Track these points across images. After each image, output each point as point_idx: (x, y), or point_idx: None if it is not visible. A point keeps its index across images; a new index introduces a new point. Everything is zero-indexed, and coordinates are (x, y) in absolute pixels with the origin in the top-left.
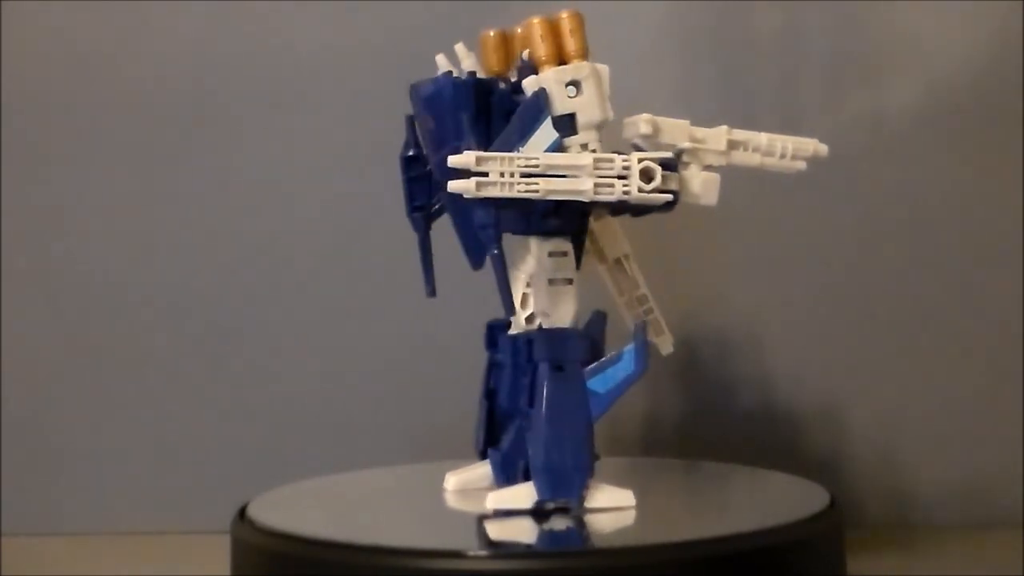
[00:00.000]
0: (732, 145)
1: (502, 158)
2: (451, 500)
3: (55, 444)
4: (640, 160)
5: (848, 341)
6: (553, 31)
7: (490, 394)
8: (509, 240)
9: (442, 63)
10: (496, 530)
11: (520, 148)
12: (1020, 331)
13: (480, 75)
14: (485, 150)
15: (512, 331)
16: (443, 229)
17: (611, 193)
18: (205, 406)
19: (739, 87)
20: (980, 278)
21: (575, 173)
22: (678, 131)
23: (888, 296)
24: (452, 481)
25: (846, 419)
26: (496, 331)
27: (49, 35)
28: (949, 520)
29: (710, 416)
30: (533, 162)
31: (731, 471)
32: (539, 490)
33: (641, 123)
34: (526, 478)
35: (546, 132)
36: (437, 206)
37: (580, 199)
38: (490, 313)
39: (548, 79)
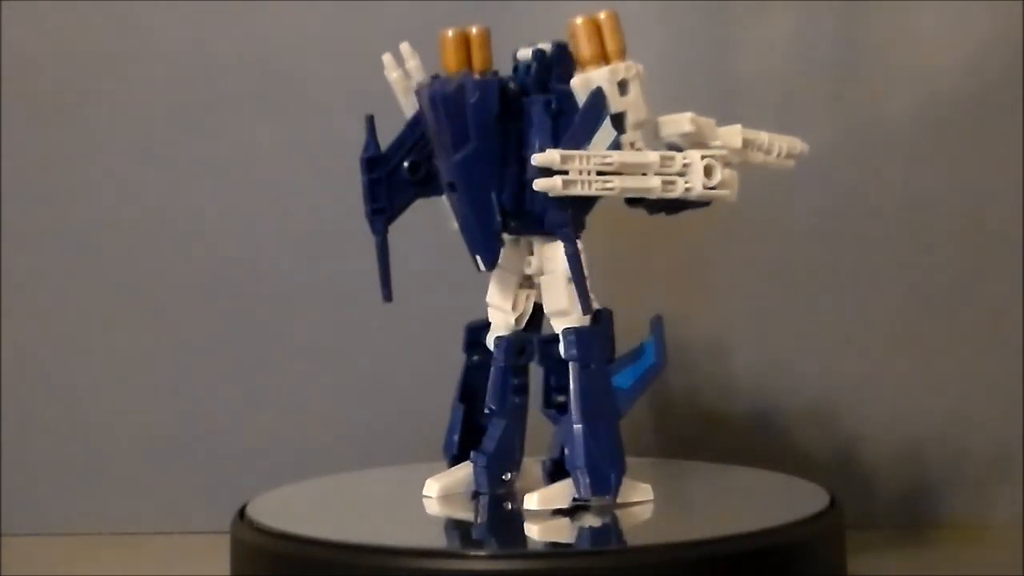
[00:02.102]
0: (745, 143)
1: (581, 156)
2: (446, 502)
3: (55, 444)
4: (703, 157)
5: (848, 342)
6: (597, 31)
7: (466, 397)
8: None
9: (389, 63)
10: (536, 531)
11: (586, 147)
12: (1019, 331)
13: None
14: (504, 153)
15: (501, 333)
16: (441, 233)
17: (673, 190)
18: (205, 407)
19: (737, 88)
20: (980, 278)
21: (643, 171)
22: (709, 130)
23: (889, 297)
24: (435, 487)
25: (846, 419)
26: (478, 333)
27: (49, 34)
28: (949, 520)
29: (709, 417)
30: (607, 160)
31: (731, 471)
32: (580, 489)
33: (685, 122)
34: (554, 478)
35: (607, 131)
36: (396, 208)
37: (649, 196)
38: (482, 314)
39: (603, 78)
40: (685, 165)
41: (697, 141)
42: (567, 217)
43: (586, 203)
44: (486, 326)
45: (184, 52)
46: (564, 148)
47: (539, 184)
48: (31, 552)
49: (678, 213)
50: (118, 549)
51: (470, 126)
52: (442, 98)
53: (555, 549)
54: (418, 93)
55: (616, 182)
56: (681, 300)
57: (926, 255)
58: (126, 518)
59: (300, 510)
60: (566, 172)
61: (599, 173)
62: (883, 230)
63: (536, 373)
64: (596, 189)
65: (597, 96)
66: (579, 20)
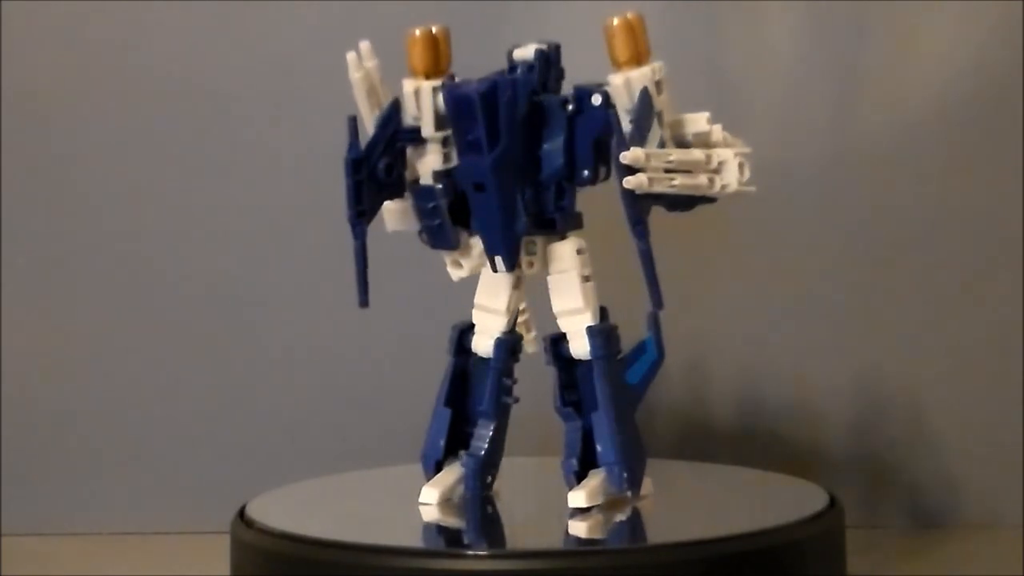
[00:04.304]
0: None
1: (655, 154)
2: (445, 503)
3: (55, 444)
4: (736, 154)
5: (849, 342)
6: (633, 31)
7: (452, 401)
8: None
9: (353, 62)
10: (578, 529)
11: (644, 147)
12: (1020, 331)
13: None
14: (505, 153)
15: (492, 334)
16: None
17: (712, 187)
18: (205, 406)
19: (735, 91)
20: (980, 279)
21: (693, 168)
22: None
23: (888, 297)
24: (435, 494)
25: (846, 419)
26: (466, 335)
27: (49, 34)
28: (949, 520)
29: (709, 417)
30: (670, 158)
31: (731, 472)
32: (617, 484)
33: (703, 121)
34: (580, 476)
35: (655, 130)
36: (375, 211)
37: (696, 193)
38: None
39: (645, 78)
40: (720, 163)
41: (705, 141)
42: (642, 215)
43: (652, 202)
44: (472, 328)
45: (184, 53)
46: (633, 147)
47: (629, 182)
48: (31, 552)
49: (690, 210)
50: (118, 549)
51: (501, 126)
52: (479, 96)
53: (549, 549)
54: (443, 92)
55: (678, 179)
56: (680, 301)
57: (925, 256)
58: (126, 518)
59: (300, 510)
60: (644, 170)
61: (665, 171)
62: (883, 231)
63: (541, 373)
64: (665, 186)
65: (647, 96)
66: (616, 21)
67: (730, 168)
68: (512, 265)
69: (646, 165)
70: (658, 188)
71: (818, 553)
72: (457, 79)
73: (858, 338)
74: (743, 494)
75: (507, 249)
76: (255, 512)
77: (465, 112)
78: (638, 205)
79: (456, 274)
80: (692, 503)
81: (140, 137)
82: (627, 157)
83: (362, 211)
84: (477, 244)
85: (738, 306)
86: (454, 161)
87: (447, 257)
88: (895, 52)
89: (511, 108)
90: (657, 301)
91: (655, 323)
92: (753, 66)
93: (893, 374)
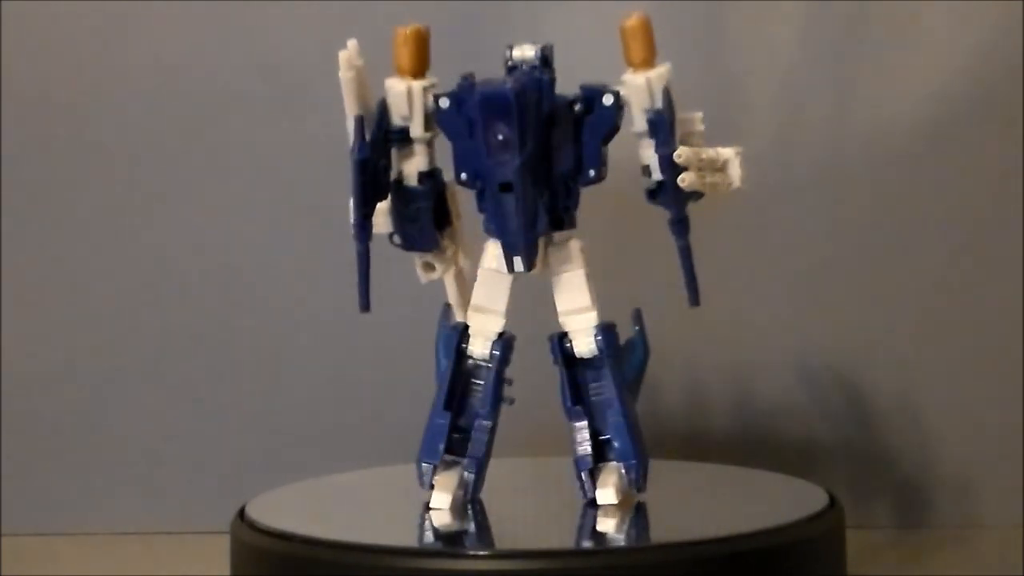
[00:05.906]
0: None
1: (694, 152)
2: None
3: (55, 444)
4: (736, 153)
5: (848, 342)
6: (648, 32)
7: (450, 403)
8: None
9: (345, 61)
10: (608, 525)
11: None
12: (1020, 331)
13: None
14: (532, 153)
15: (489, 336)
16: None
17: (720, 185)
18: (205, 406)
19: (735, 90)
20: (980, 278)
21: (709, 167)
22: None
23: (888, 296)
24: (446, 499)
25: (846, 420)
26: (464, 337)
27: (49, 34)
28: (949, 520)
29: (708, 417)
30: (702, 156)
31: (730, 472)
32: (636, 481)
33: (698, 121)
34: (593, 474)
35: (675, 130)
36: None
37: (714, 191)
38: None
39: (663, 79)
40: (724, 161)
41: (698, 141)
42: (683, 212)
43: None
44: (467, 329)
45: (184, 54)
46: (673, 147)
47: (683, 180)
48: (31, 552)
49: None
50: (118, 549)
51: (529, 126)
52: (515, 95)
53: (549, 549)
54: (465, 92)
55: (708, 177)
56: (680, 298)
57: (925, 256)
58: (126, 518)
59: (300, 510)
60: (688, 168)
61: (699, 169)
62: (882, 230)
63: (537, 373)
64: (700, 185)
65: (670, 96)
66: (635, 21)
67: (733, 166)
68: (531, 265)
69: (691, 163)
70: (697, 186)
71: (818, 553)
72: (477, 78)
73: (858, 338)
74: (743, 494)
75: (528, 249)
76: (255, 512)
77: (499, 111)
78: (679, 204)
79: (427, 276)
80: (692, 503)
81: (140, 137)
82: (681, 156)
83: (367, 213)
84: (450, 246)
85: (736, 305)
86: (437, 162)
87: (419, 259)
88: (895, 52)
89: (537, 109)
90: (694, 298)
91: (641, 321)
92: (753, 66)
93: (893, 374)
